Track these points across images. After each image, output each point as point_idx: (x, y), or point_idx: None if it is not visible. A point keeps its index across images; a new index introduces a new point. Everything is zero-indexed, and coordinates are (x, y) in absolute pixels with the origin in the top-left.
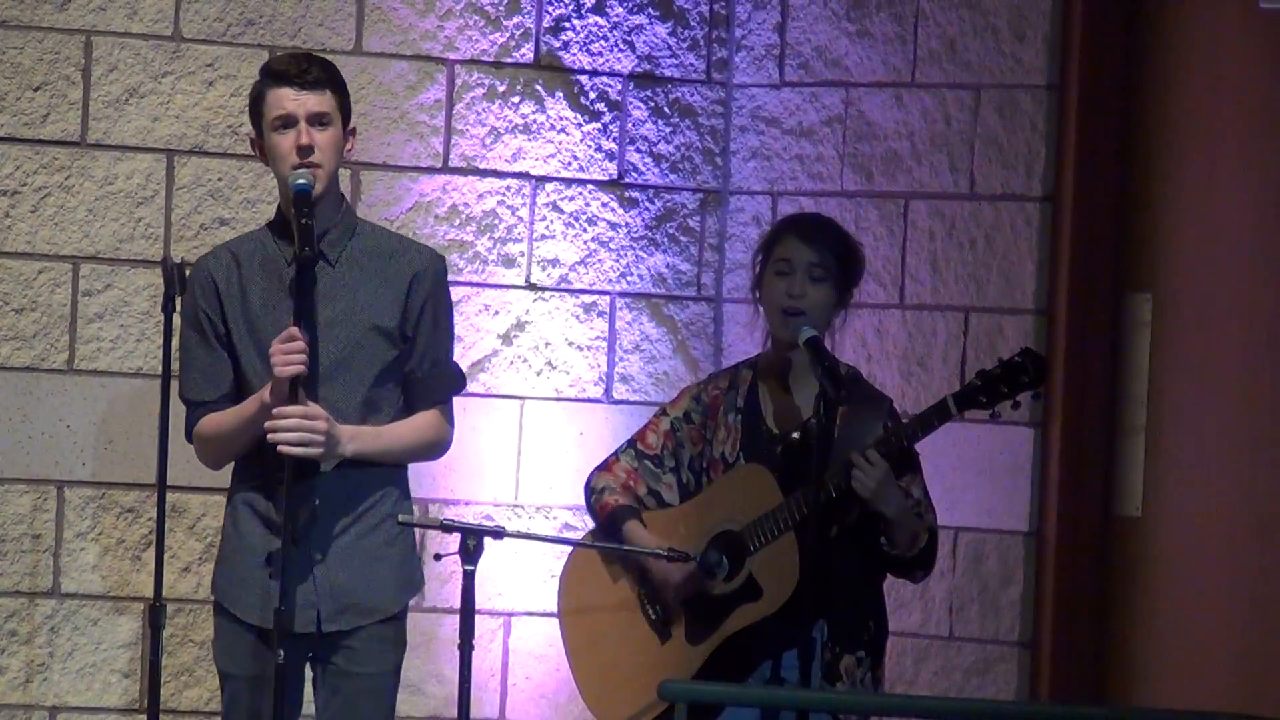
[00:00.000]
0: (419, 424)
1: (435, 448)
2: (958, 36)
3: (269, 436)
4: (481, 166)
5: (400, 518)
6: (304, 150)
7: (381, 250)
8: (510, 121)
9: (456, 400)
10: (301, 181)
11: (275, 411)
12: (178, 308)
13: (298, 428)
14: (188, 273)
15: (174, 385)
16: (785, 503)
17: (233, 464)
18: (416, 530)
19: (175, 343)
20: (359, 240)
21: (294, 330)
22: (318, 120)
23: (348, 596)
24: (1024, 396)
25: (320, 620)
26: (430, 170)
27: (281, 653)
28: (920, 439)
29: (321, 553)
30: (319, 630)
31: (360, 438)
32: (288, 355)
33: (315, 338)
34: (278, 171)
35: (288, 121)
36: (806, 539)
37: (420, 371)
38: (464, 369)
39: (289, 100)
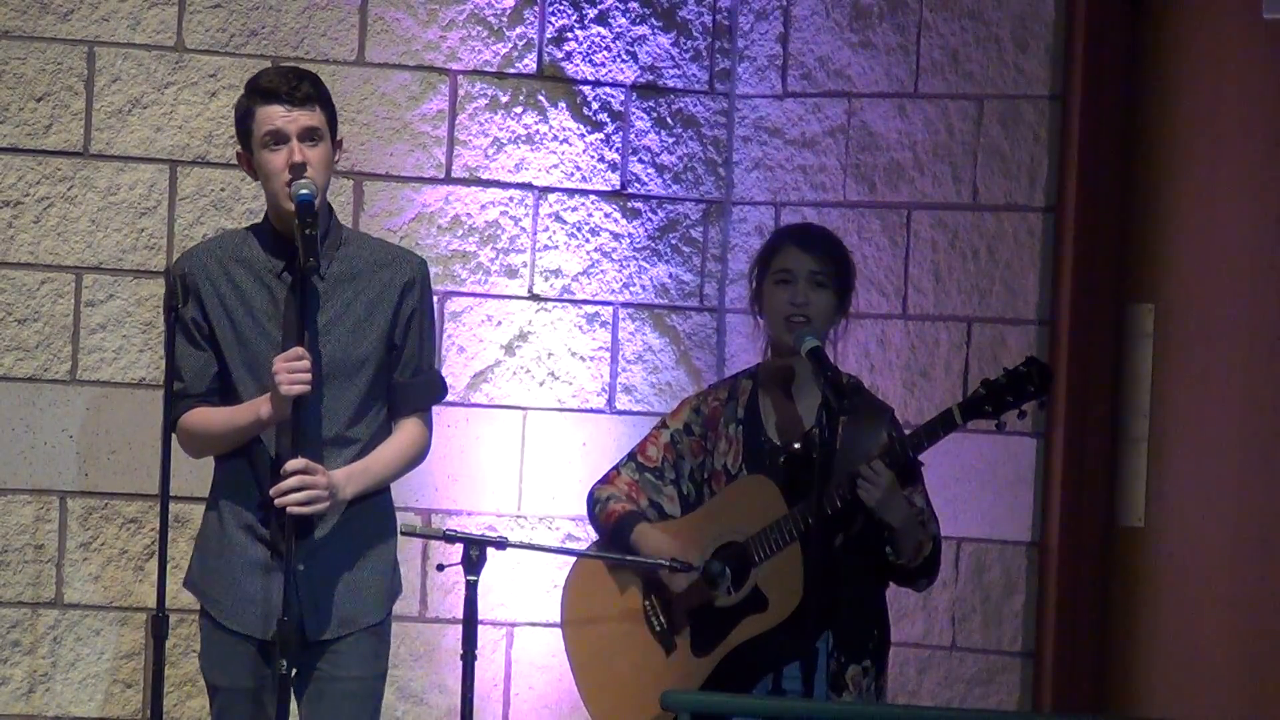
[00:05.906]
0: (401, 442)
1: (418, 460)
2: (960, 47)
3: (275, 501)
4: (484, 177)
5: (402, 528)
6: (297, 168)
7: (371, 259)
8: (513, 132)
9: (459, 410)
10: (304, 192)
11: (281, 475)
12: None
13: (301, 486)
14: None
15: None
16: (790, 514)
17: (213, 470)
18: (419, 540)
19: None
20: (347, 250)
21: (300, 350)
22: (309, 136)
23: (331, 606)
24: (1030, 406)
25: (304, 629)
26: (433, 181)
27: (284, 662)
28: (926, 449)
29: (305, 563)
30: (303, 638)
31: (354, 478)
32: (293, 374)
33: (316, 351)
34: (268, 188)
35: (279, 138)
36: (812, 550)
37: (404, 377)
38: (467, 379)
39: (280, 117)
